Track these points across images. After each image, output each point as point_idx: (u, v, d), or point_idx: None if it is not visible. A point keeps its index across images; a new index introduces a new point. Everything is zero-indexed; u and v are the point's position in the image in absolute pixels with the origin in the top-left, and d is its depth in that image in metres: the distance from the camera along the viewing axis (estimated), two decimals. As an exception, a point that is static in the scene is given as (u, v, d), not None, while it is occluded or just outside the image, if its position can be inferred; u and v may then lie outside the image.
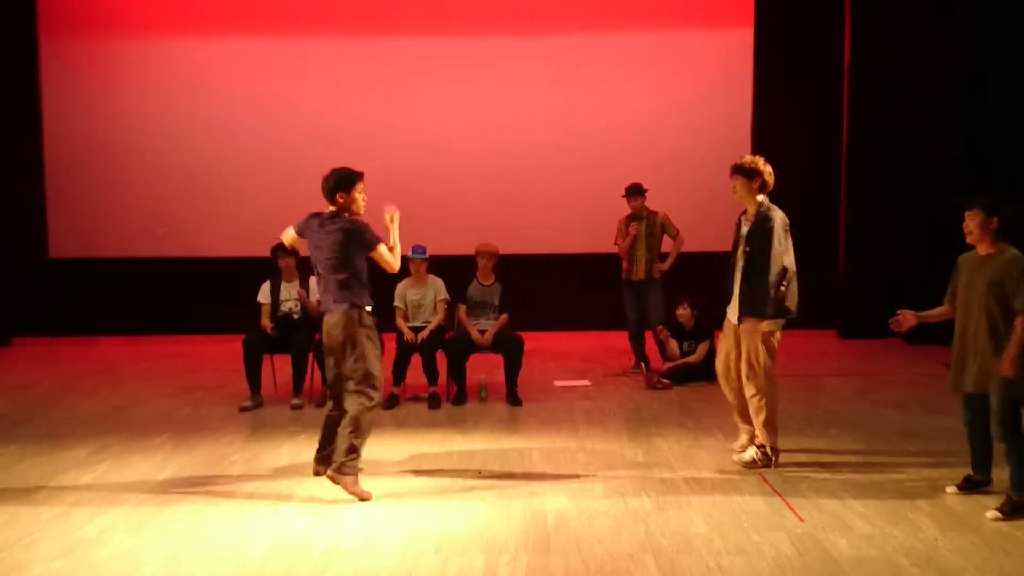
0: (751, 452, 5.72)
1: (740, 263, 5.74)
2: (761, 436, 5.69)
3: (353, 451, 5.10)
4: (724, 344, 5.90)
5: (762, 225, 5.61)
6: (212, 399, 7.69)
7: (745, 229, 5.74)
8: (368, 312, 5.32)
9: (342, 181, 5.32)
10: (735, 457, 5.79)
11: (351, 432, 5.11)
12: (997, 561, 4.15)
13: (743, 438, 5.91)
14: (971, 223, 4.84)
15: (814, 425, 6.61)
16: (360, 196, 5.37)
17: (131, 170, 11.01)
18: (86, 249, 11.02)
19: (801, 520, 4.70)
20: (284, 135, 10.94)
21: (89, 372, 9.03)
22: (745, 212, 5.82)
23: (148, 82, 10.95)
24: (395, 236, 5.43)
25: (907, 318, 5.19)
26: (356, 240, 5.26)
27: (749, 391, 5.68)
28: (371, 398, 5.25)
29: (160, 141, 10.98)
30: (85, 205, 11.01)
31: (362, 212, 5.39)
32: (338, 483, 5.05)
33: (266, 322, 7.53)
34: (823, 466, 5.63)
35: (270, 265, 7.71)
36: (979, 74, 10.00)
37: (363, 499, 5.05)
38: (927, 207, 9.93)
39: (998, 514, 4.71)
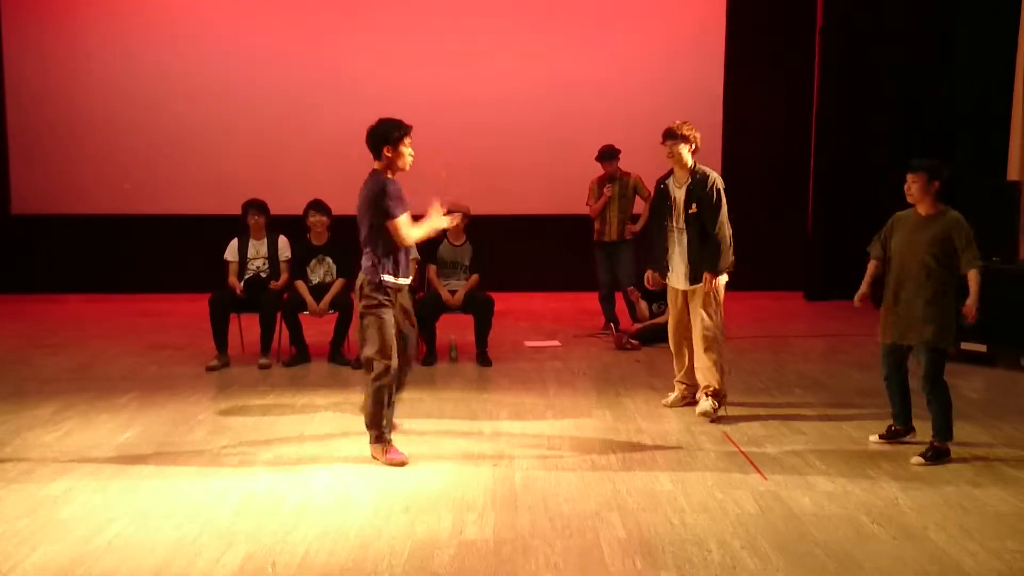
0: (708, 403, 5.87)
1: (683, 227, 5.89)
2: (714, 383, 5.87)
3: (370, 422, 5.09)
4: (674, 311, 6.09)
5: (706, 186, 5.82)
6: (179, 358, 7.64)
7: (680, 193, 5.90)
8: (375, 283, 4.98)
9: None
10: (698, 410, 5.90)
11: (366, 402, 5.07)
12: (956, 518, 4.24)
13: (676, 395, 6.16)
14: (913, 185, 5.03)
15: (780, 385, 6.69)
16: (407, 151, 5.02)
17: (95, 126, 10.82)
18: (50, 206, 10.85)
19: (764, 478, 4.77)
20: (253, 90, 10.78)
21: (54, 330, 8.93)
22: (672, 176, 5.99)
23: (113, 35, 10.73)
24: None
25: (862, 295, 5.36)
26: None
27: (706, 343, 5.86)
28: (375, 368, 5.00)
29: (125, 96, 10.79)
30: (48, 161, 10.83)
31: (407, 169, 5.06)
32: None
33: (233, 280, 7.47)
34: (787, 425, 5.70)
35: (238, 222, 7.63)
36: (952, 38, 10.03)
37: (398, 464, 4.97)
38: (895, 169, 9.99)
39: (921, 460, 4.97)
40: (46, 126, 10.79)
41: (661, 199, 6.03)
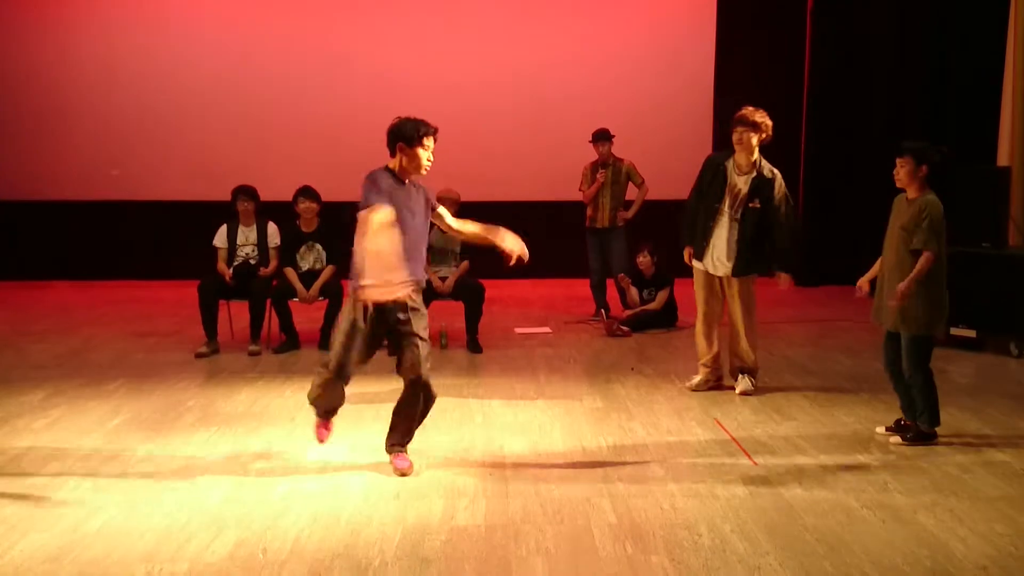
0: (747, 381, 6.07)
1: (739, 218, 5.85)
2: (750, 361, 6.08)
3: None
4: (708, 297, 6.10)
5: (774, 187, 5.82)
6: (167, 345, 7.60)
7: (743, 182, 5.84)
8: None
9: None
10: (738, 391, 6.05)
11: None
12: (946, 503, 4.26)
13: (700, 378, 6.22)
14: (901, 170, 4.98)
15: (769, 371, 6.69)
16: (424, 154, 4.59)
17: (82, 110, 10.75)
18: (36, 192, 10.78)
19: (754, 463, 4.78)
20: (242, 75, 10.73)
21: (42, 316, 8.87)
22: (731, 161, 5.91)
23: (99, 20, 10.65)
24: None
25: (862, 287, 5.28)
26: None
27: (749, 327, 6.01)
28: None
29: (112, 80, 10.72)
30: (34, 147, 10.75)
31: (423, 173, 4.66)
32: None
33: (223, 267, 7.43)
34: (777, 410, 5.71)
35: (227, 208, 7.59)
36: (944, 24, 10.03)
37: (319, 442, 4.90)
38: (883, 155, 10.01)
39: (899, 439, 5.04)
40: (31, 110, 10.71)
41: (713, 177, 5.92)
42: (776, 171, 5.89)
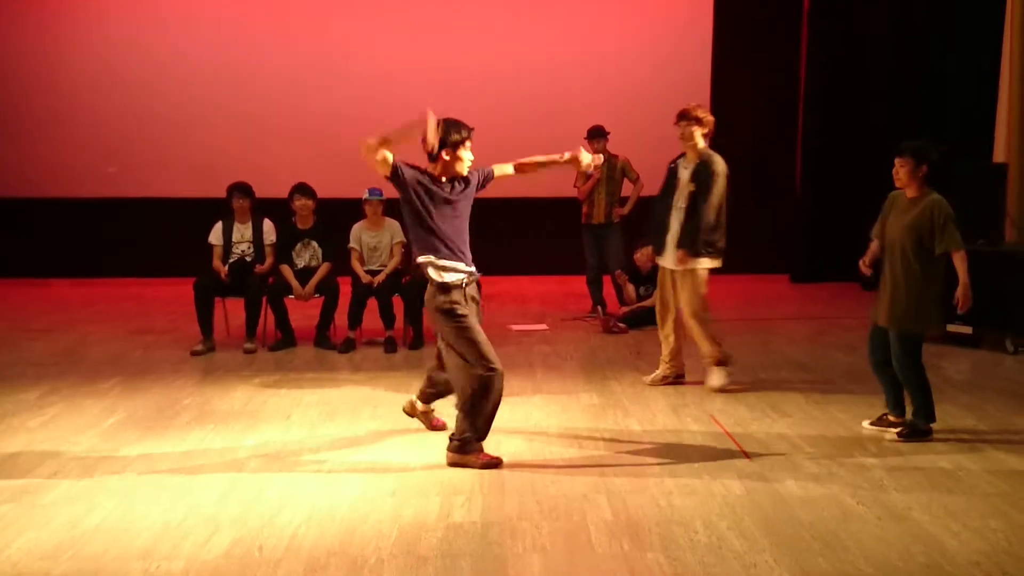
0: (715, 377, 6.06)
1: (683, 206, 5.99)
2: (711, 353, 6.08)
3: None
4: (661, 290, 6.22)
5: (710, 168, 5.91)
6: (163, 342, 7.60)
7: (687, 173, 6.01)
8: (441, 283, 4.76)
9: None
10: (710, 386, 6.05)
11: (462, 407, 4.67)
12: (941, 500, 4.26)
13: (658, 373, 6.27)
14: (901, 170, 4.99)
15: (765, 368, 6.71)
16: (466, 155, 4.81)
17: (79, 108, 10.71)
18: (33, 189, 10.75)
19: (750, 460, 4.79)
20: (238, 71, 10.69)
21: (38, 314, 8.86)
22: (683, 157, 6.10)
23: (97, 16, 10.62)
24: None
25: (864, 268, 5.34)
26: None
27: (692, 320, 6.04)
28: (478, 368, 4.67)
29: (109, 77, 10.68)
30: (31, 144, 10.71)
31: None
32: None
33: (218, 264, 7.42)
34: (773, 407, 5.72)
35: (223, 205, 7.58)
36: (941, 20, 10.04)
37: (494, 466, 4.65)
38: (882, 151, 10.01)
39: (895, 436, 5.06)
40: (29, 107, 10.67)
41: (669, 178, 6.14)
42: (715, 157, 5.95)
